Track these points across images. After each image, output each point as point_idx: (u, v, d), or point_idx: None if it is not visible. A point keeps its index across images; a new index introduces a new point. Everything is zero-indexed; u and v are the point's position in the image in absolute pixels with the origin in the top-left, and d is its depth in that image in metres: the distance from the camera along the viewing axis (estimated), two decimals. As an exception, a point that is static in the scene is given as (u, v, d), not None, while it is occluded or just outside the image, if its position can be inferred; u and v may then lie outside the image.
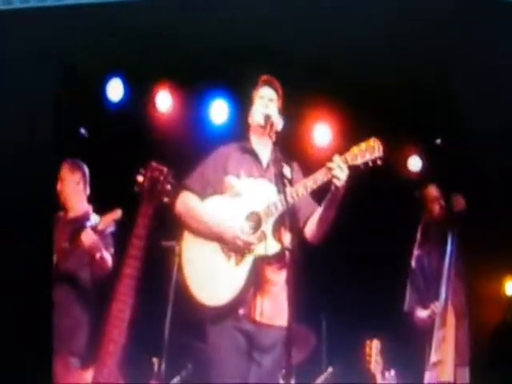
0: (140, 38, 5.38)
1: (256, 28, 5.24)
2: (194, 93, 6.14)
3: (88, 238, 4.65)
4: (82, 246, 4.67)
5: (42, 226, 4.81)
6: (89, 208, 5.08)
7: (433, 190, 5.33)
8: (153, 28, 5.34)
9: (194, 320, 4.35)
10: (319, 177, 3.91)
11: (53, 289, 4.66)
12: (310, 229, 4.08)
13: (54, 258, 4.75)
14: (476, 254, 4.66)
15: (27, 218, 4.71)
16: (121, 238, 4.65)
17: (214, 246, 4.03)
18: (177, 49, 5.48)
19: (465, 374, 4.81)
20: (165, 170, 4.30)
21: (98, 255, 4.72)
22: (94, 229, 4.68)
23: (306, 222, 4.10)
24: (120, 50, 5.50)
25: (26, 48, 5.08)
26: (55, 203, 5.07)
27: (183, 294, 4.16)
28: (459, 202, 5.09)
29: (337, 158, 3.87)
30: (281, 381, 4.30)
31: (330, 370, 5.82)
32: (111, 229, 4.86)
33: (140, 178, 4.29)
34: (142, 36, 5.38)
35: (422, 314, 5.15)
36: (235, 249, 3.97)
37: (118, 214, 4.69)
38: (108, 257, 4.83)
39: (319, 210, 4.04)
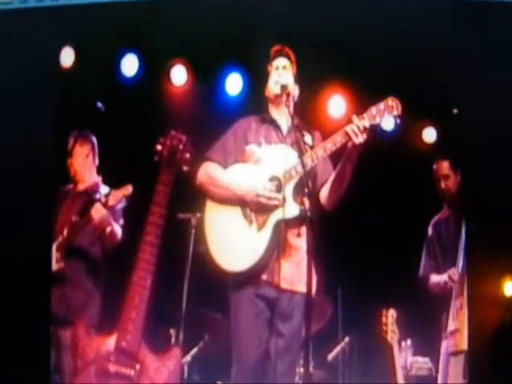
0: (153, 12, 5.24)
1: (270, 1, 5.11)
2: (208, 67, 5.99)
3: (98, 213, 4.56)
4: (93, 221, 4.59)
5: (50, 200, 4.71)
6: (98, 179, 4.97)
7: (443, 166, 5.15)
8: (166, 3, 5.20)
9: (211, 291, 4.30)
10: (338, 138, 3.84)
11: (51, 267, 4.59)
12: (325, 194, 3.99)
13: (65, 231, 4.65)
14: (475, 253, 4.54)
15: (36, 191, 4.58)
16: (137, 209, 4.49)
17: (235, 213, 3.94)
18: (190, 23, 5.34)
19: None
20: (184, 138, 4.15)
21: (108, 229, 4.64)
22: (105, 204, 4.58)
23: (321, 187, 4.02)
24: (134, 25, 5.36)
25: (41, 25, 4.93)
26: (65, 176, 4.96)
27: (202, 265, 4.07)
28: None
29: (355, 118, 3.78)
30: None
31: (346, 339, 5.72)
32: (122, 204, 4.76)
33: (159, 147, 4.14)
34: (156, 11, 5.24)
35: (437, 278, 5.00)
36: (258, 208, 3.88)
37: (128, 189, 4.58)
38: (118, 229, 4.74)
39: (334, 174, 3.95)
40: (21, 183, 4.62)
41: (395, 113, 3.80)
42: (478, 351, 4.42)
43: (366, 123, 3.76)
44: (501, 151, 4.49)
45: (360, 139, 3.74)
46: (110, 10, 5.13)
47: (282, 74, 4.10)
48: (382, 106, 3.81)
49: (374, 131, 3.80)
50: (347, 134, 3.76)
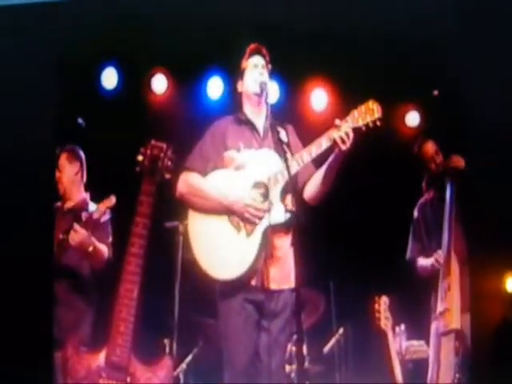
0: (131, 23, 5.13)
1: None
2: (188, 73, 5.88)
3: (76, 236, 4.36)
4: (74, 244, 4.39)
5: (42, 216, 4.51)
6: (86, 196, 4.78)
7: (430, 147, 5.05)
8: (144, 12, 5.08)
9: (203, 297, 4.15)
10: (323, 142, 3.73)
11: (53, 281, 4.42)
12: (309, 191, 3.88)
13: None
14: (476, 249, 4.43)
15: (27, 208, 4.44)
16: (123, 222, 4.35)
17: (222, 220, 3.80)
18: (167, 30, 5.23)
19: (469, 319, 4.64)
20: (164, 146, 4.02)
21: (90, 249, 4.43)
22: (89, 219, 4.40)
23: (304, 185, 3.90)
24: (111, 37, 5.25)
25: (20, 40, 4.80)
26: (54, 193, 4.75)
27: (191, 273, 3.95)
28: (458, 161, 4.87)
29: (340, 123, 3.69)
30: (292, 347, 4.21)
31: (340, 331, 5.61)
32: (107, 216, 4.59)
33: (140, 158, 4.02)
34: (133, 21, 5.12)
35: (424, 262, 4.91)
36: (246, 218, 3.74)
37: (111, 201, 4.42)
38: (103, 248, 4.53)
39: (319, 172, 3.84)
40: (17, 198, 4.51)
41: (376, 115, 3.72)
42: (480, 348, 4.33)
43: (350, 126, 3.68)
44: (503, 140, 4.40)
45: (347, 145, 3.65)
46: (87, 23, 5.01)
47: (262, 73, 3.96)
48: (363, 108, 3.73)
49: (357, 133, 3.70)
50: (334, 140, 3.67)
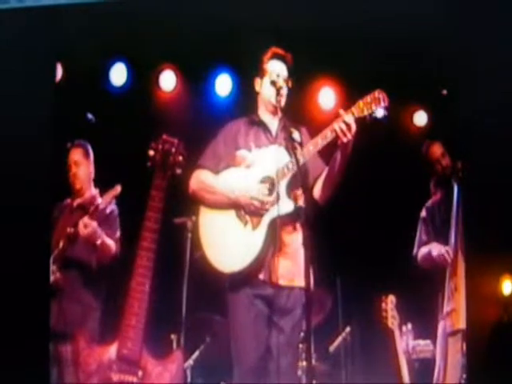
0: (140, 20, 5.10)
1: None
2: (197, 70, 5.85)
3: (85, 228, 4.40)
4: (82, 235, 4.43)
5: (46, 213, 4.55)
6: (96, 193, 4.78)
7: (436, 150, 5.05)
8: (153, 9, 5.06)
9: (210, 293, 4.20)
10: (328, 133, 3.72)
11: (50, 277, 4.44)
12: (318, 189, 3.89)
13: (61, 244, 4.50)
14: (472, 252, 4.42)
15: (32, 205, 4.43)
16: (133, 216, 4.34)
17: (229, 215, 3.83)
18: (175, 28, 5.20)
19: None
20: (176, 141, 4.03)
21: (98, 242, 4.47)
22: (95, 209, 4.42)
23: (314, 183, 3.91)
24: (120, 34, 5.22)
25: (30, 37, 4.79)
26: (54, 192, 4.73)
27: (199, 268, 3.98)
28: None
29: (343, 113, 3.67)
30: (299, 344, 4.16)
31: (347, 329, 5.58)
32: (113, 206, 4.62)
33: (151, 152, 4.01)
34: (142, 18, 5.10)
35: (425, 250, 4.89)
36: (252, 211, 3.78)
37: (117, 190, 4.45)
38: (110, 242, 4.56)
39: (326, 170, 3.85)
40: (17, 195, 4.48)
41: (382, 105, 3.70)
42: (475, 350, 4.32)
43: (354, 116, 3.66)
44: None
45: (348, 137, 3.64)
46: (96, 19, 4.99)
47: (282, 86, 3.90)
48: (369, 98, 3.72)
49: (364, 123, 3.70)
50: (336, 132, 3.66)
